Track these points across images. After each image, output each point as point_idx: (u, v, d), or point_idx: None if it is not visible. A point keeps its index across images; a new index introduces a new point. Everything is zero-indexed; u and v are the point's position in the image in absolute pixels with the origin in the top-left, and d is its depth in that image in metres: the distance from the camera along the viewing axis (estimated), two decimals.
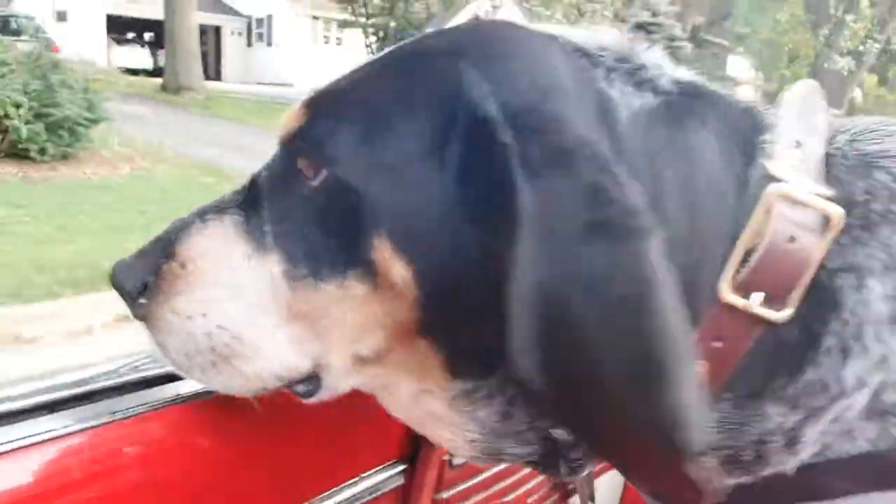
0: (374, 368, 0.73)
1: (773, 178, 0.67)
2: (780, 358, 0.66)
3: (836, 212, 0.66)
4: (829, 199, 0.66)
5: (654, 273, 0.58)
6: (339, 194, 0.67)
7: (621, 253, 0.58)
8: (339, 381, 0.74)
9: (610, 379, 0.59)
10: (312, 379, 0.74)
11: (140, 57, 27.14)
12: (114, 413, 0.77)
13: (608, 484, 1.34)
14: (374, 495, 1.00)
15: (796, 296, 0.65)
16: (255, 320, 0.70)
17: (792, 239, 0.65)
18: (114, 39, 27.12)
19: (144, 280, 0.72)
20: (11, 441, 0.69)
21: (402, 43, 0.72)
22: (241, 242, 0.71)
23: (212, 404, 0.83)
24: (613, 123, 0.66)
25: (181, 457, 0.80)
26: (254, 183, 0.73)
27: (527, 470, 1.23)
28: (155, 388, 0.83)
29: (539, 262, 0.58)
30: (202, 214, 0.74)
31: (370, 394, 0.79)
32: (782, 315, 0.65)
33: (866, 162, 0.70)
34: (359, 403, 0.97)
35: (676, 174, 0.67)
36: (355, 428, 0.97)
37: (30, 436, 0.70)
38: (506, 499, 1.18)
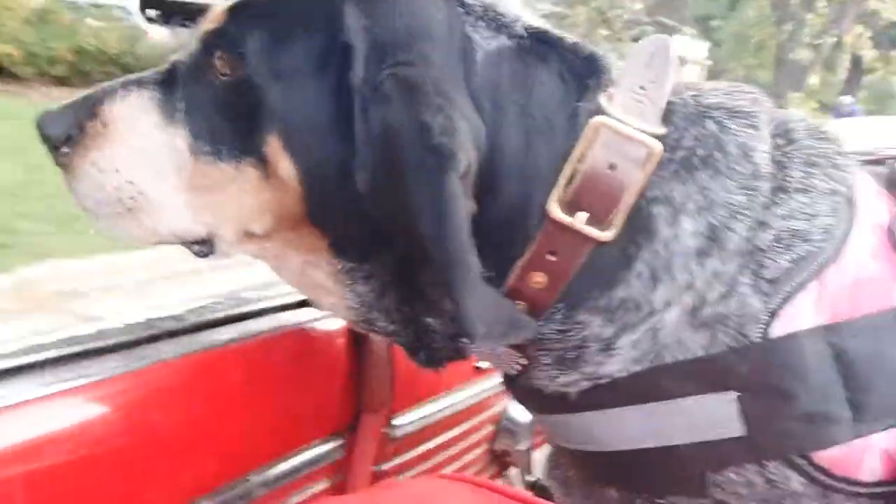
0: (263, 242, 0.85)
1: (602, 113, 0.77)
2: (601, 274, 0.77)
3: (655, 146, 0.75)
4: (655, 136, 0.76)
5: (449, 202, 0.68)
6: (243, 90, 0.77)
7: (426, 181, 0.69)
8: (229, 248, 0.86)
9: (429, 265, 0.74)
10: (206, 242, 0.85)
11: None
12: None
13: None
14: (313, 468, 1.03)
15: (617, 219, 0.76)
16: (159, 183, 0.81)
17: (612, 166, 0.75)
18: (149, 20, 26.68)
19: (69, 132, 0.81)
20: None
21: None
22: (155, 113, 0.81)
23: (151, 379, 0.85)
24: (471, 62, 0.77)
25: (116, 430, 0.82)
26: (173, 67, 0.83)
27: (466, 443, 1.27)
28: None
29: (373, 172, 0.73)
30: (126, 84, 0.83)
31: (308, 368, 0.89)
32: (606, 235, 0.76)
33: (701, 112, 0.80)
34: (297, 376, 1.01)
35: (515, 104, 0.77)
36: (293, 400, 1.00)
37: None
38: (444, 470, 1.22)
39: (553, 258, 0.77)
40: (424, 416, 1.16)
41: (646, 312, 0.76)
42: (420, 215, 0.70)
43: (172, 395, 0.87)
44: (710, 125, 0.79)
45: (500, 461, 1.34)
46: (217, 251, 0.85)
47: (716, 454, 0.77)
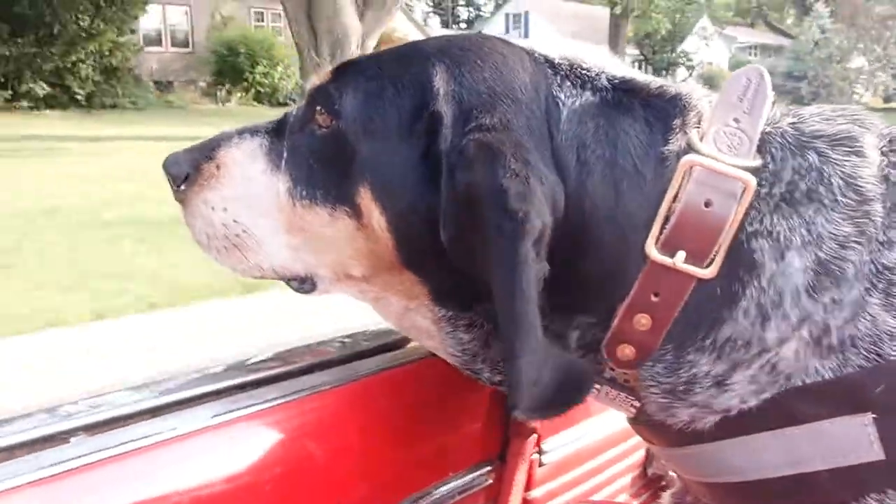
0: (363, 284, 0.89)
1: (692, 151, 0.78)
2: (706, 312, 0.77)
3: (750, 180, 0.76)
4: (752, 170, 0.76)
5: (524, 261, 0.71)
6: (339, 144, 0.83)
7: (500, 245, 0.72)
8: (330, 288, 0.91)
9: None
10: (307, 280, 0.91)
11: None
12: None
13: None
14: (463, 495, 1.02)
15: (717, 255, 0.76)
16: (262, 222, 0.88)
17: (708, 203, 0.76)
18: None
19: (187, 171, 0.90)
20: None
21: (416, 40, 0.90)
22: (261, 160, 0.89)
23: (305, 409, 0.87)
24: (555, 121, 0.81)
25: (272, 460, 0.83)
26: (285, 118, 0.91)
27: (618, 468, 1.23)
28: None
29: (456, 228, 0.77)
30: (241, 132, 0.92)
31: (456, 394, 0.91)
32: (707, 272, 0.76)
33: (801, 142, 0.80)
34: (445, 403, 1.00)
35: (600, 157, 0.80)
36: (443, 427, 0.99)
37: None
38: (596, 496, 1.18)
39: (656, 299, 0.77)
40: (574, 441, 1.13)
41: (756, 350, 0.76)
42: (493, 274, 0.73)
43: (325, 425, 0.88)
44: (811, 156, 0.79)
45: (653, 486, 1.29)
46: (319, 288, 0.91)
47: (855, 480, 0.75)
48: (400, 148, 0.81)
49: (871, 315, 0.74)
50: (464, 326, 0.85)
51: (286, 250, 0.88)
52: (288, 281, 0.91)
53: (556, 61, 0.85)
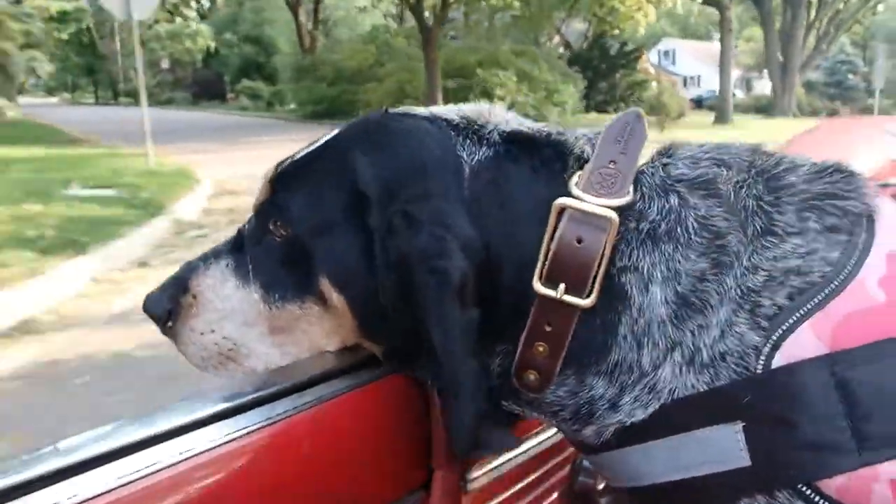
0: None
1: (567, 194, 0.87)
2: (594, 339, 0.86)
3: (612, 217, 0.84)
4: (620, 208, 0.85)
5: (451, 311, 0.83)
6: (295, 246, 0.94)
7: (429, 299, 0.83)
8: None
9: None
10: None
11: None
12: None
13: None
14: None
15: (594, 287, 0.85)
16: (248, 332, 0.97)
17: (580, 239, 0.85)
18: None
19: (168, 308, 0.98)
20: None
21: (333, 133, 1.00)
22: (231, 279, 0.98)
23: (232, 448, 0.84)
24: (461, 178, 0.90)
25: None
26: (239, 235, 1.00)
27: (544, 487, 1.24)
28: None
29: (393, 296, 0.87)
30: (205, 259, 1.00)
31: (378, 426, 0.99)
32: (586, 302, 0.85)
33: (666, 185, 0.89)
34: (367, 435, 0.99)
35: (497, 206, 0.89)
36: (365, 460, 0.99)
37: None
38: None
39: (549, 328, 0.86)
40: (499, 466, 1.13)
41: (638, 374, 0.85)
42: (429, 328, 0.84)
43: (244, 466, 0.86)
44: (673, 198, 0.88)
45: (581, 500, 1.30)
46: None
47: (729, 485, 0.81)
48: (345, 236, 0.91)
49: (738, 333, 0.82)
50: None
51: (273, 348, 0.97)
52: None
53: (456, 122, 0.96)
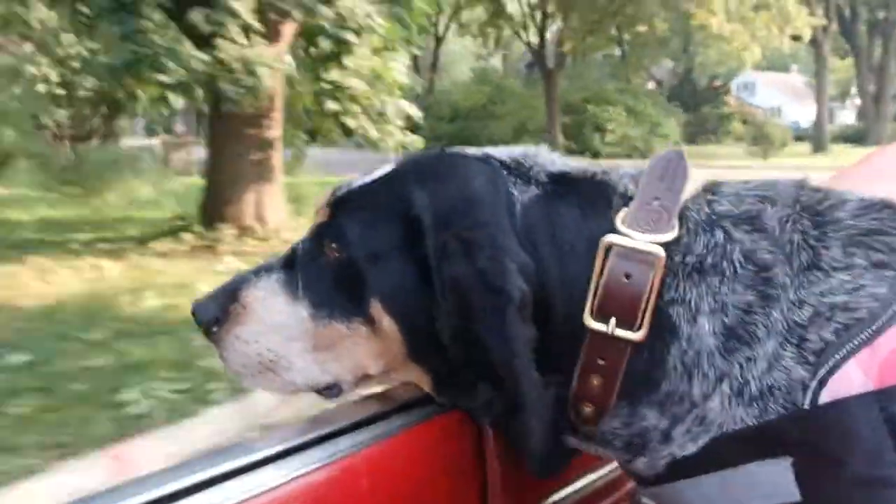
0: (380, 380, 1.05)
1: (614, 231, 0.90)
2: (646, 371, 0.89)
3: (659, 252, 0.88)
4: (666, 244, 0.88)
5: (511, 332, 0.86)
6: (349, 269, 0.98)
7: (494, 318, 0.86)
8: (352, 389, 1.04)
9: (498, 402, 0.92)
10: (334, 387, 1.03)
11: None
12: None
13: None
14: None
15: (643, 320, 0.87)
16: (291, 346, 1.00)
17: (628, 275, 0.88)
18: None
19: (216, 315, 1.02)
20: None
21: (390, 165, 1.04)
22: (281, 294, 1.01)
23: (284, 491, 0.85)
24: (513, 214, 0.94)
25: None
26: (293, 252, 1.04)
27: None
28: None
29: (452, 316, 0.90)
30: (257, 272, 1.04)
31: (434, 466, 1.00)
32: (637, 335, 0.87)
33: (712, 220, 0.92)
34: (423, 475, 1.01)
35: (547, 242, 0.93)
36: (419, 501, 1.00)
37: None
38: None
39: (602, 361, 0.89)
40: (556, 503, 1.13)
41: (689, 404, 0.87)
42: (490, 345, 0.86)
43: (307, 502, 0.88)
44: (718, 233, 0.90)
45: None
46: (345, 392, 1.04)
47: None
48: (399, 263, 0.96)
49: (785, 367, 0.83)
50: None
51: (314, 365, 1.01)
52: (318, 391, 1.04)
53: (507, 162, 1.00)
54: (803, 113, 47.94)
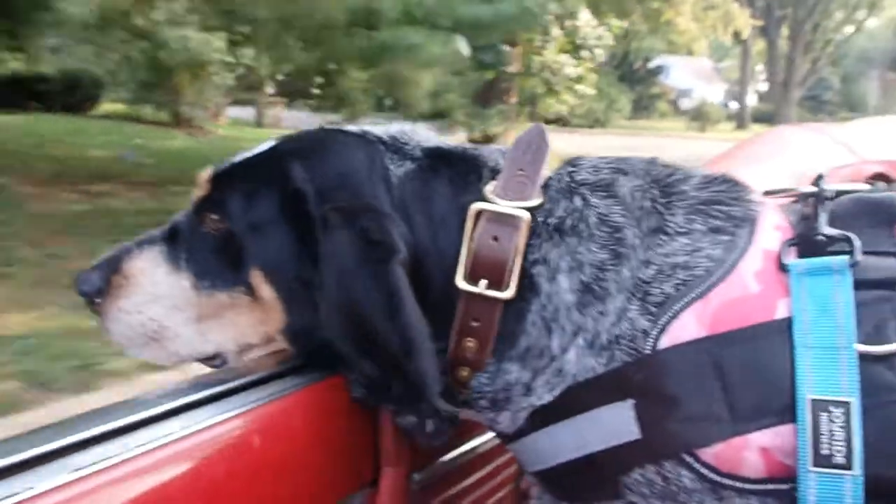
0: (263, 350, 1.07)
1: (482, 199, 0.97)
2: (511, 328, 0.94)
3: (523, 216, 0.94)
4: (530, 209, 0.95)
5: (397, 282, 0.89)
6: (229, 240, 1.01)
7: (378, 272, 0.89)
8: (237, 359, 1.08)
9: (381, 350, 0.91)
10: (217, 357, 1.07)
11: None
12: None
13: None
14: None
15: (511, 280, 0.93)
16: (174, 316, 1.03)
17: (495, 238, 0.94)
18: None
19: (99, 286, 1.04)
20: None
21: (269, 142, 1.08)
22: (163, 264, 1.04)
23: (172, 449, 0.85)
24: (389, 187, 1.00)
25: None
26: (175, 226, 1.07)
27: (491, 485, 1.28)
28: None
29: (332, 285, 0.93)
30: (139, 244, 1.07)
31: (325, 425, 1.00)
32: (506, 294, 0.93)
33: (571, 188, 0.99)
34: (314, 435, 1.02)
35: (421, 213, 0.99)
36: (312, 459, 1.00)
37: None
38: None
39: (476, 323, 0.95)
40: (446, 463, 1.16)
41: (548, 358, 0.93)
42: (374, 303, 0.89)
43: (193, 463, 0.87)
44: (577, 199, 0.97)
45: (525, 499, 1.33)
46: (229, 361, 1.07)
47: (623, 457, 0.90)
48: (278, 234, 1.00)
49: (630, 318, 0.91)
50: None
51: (198, 335, 1.04)
52: (203, 361, 1.07)
53: (384, 138, 1.05)
54: (711, 94, 50.17)
